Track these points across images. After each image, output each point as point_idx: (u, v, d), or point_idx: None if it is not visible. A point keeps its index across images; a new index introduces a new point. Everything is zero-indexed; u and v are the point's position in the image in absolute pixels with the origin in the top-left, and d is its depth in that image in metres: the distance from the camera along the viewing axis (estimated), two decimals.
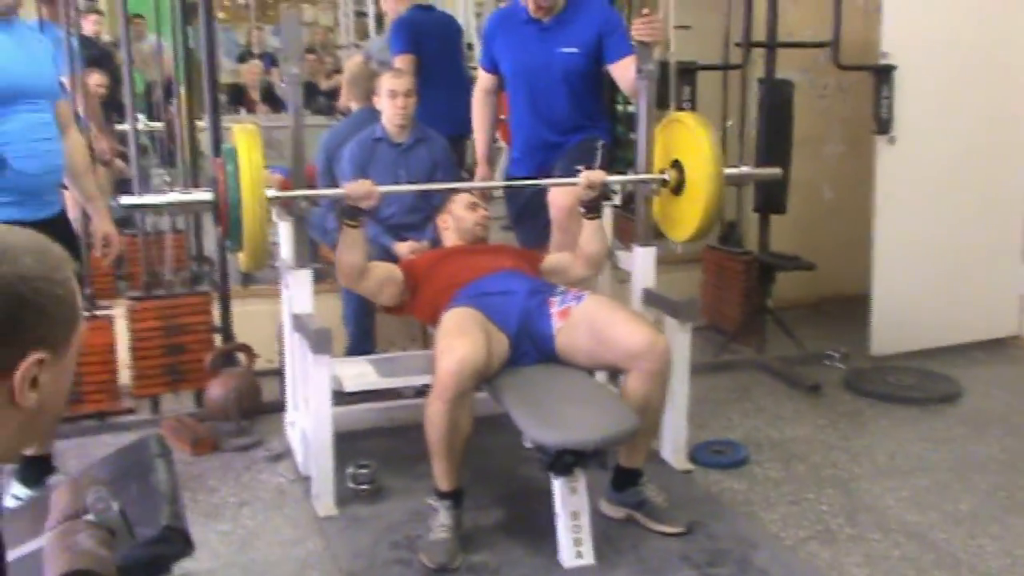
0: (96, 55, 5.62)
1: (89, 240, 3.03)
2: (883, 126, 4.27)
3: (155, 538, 2.15)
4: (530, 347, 2.90)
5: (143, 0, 4.94)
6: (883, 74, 4.24)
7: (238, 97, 8.21)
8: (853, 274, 4.61)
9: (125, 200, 2.83)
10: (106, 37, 6.47)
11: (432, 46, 4.76)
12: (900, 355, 4.36)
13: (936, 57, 4.29)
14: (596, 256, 3.26)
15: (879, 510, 3.02)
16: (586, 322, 2.83)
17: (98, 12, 6.61)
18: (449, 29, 5.15)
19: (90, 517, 1.63)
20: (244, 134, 2.81)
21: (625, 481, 2.89)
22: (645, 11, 3.39)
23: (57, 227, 2.78)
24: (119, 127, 5.12)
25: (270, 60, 9.07)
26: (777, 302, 4.91)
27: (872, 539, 2.83)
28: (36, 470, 3.00)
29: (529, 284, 3.03)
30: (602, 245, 3.27)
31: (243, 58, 9.66)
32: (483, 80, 3.86)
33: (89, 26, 6.04)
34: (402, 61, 4.55)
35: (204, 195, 2.89)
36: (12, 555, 1.75)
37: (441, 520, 2.76)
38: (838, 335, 4.60)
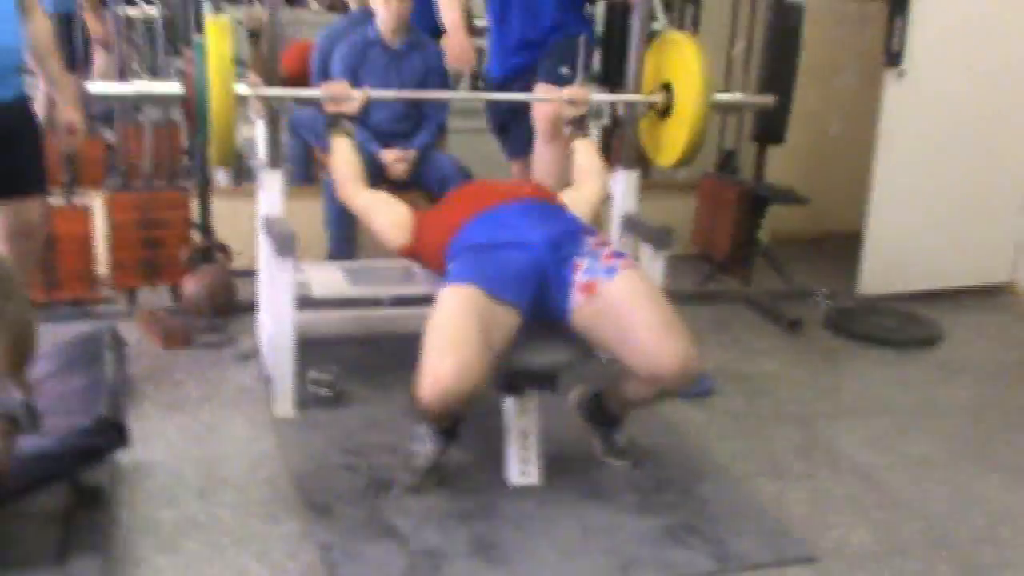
0: None
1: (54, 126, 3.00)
2: (893, 58, 4.15)
3: (89, 428, 2.19)
4: (537, 312, 2.54)
5: None
6: (898, 2, 4.09)
7: None
8: (855, 211, 4.53)
9: (92, 88, 2.80)
10: None
11: None
12: (888, 296, 4.31)
13: None
14: (599, 174, 3.05)
15: (833, 449, 3.01)
16: (612, 312, 2.46)
17: None
18: None
19: None
20: (215, 27, 2.75)
21: (602, 419, 2.77)
22: None
23: (15, 109, 2.76)
24: (131, 11, 5.03)
25: None
26: (774, 235, 4.86)
27: (819, 477, 2.82)
28: None
29: (552, 228, 2.61)
30: (598, 163, 3.08)
31: None
32: None
33: None
34: None
35: (172, 87, 2.84)
36: None
37: (427, 449, 2.58)
38: (830, 273, 4.56)
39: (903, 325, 4.03)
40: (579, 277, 2.51)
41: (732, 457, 2.92)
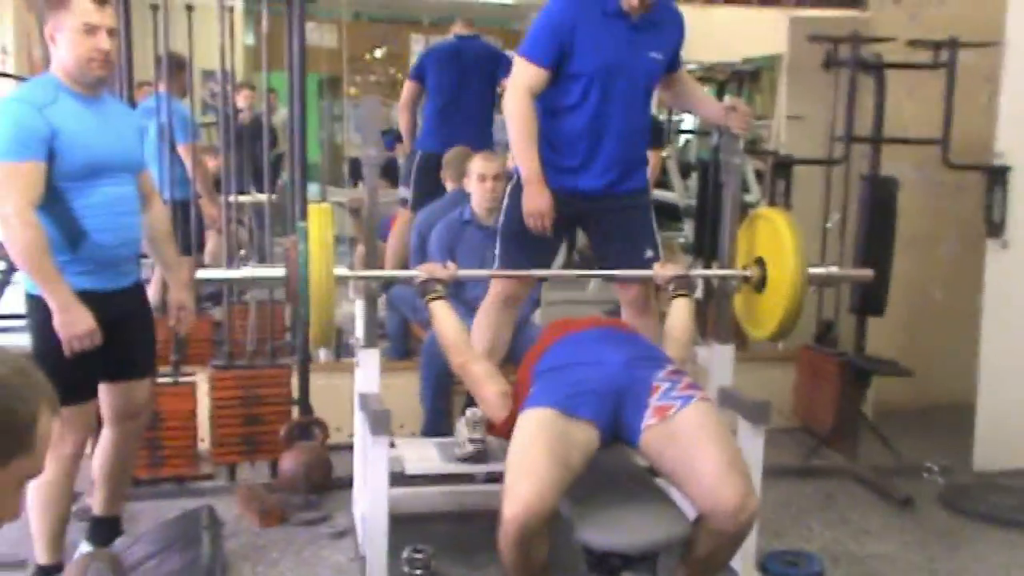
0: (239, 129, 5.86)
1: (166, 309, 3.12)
2: (995, 229, 4.09)
3: None
4: (614, 432, 2.61)
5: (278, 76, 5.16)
6: (996, 175, 4.07)
7: (359, 171, 8.46)
8: (963, 382, 4.37)
9: (200, 274, 2.93)
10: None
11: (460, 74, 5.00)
12: (1006, 472, 4.09)
13: None
14: (685, 347, 3.01)
15: None
16: (681, 439, 2.49)
17: (251, 87, 6.90)
18: (482, 59, 5.18)
19: None
20: (317, 213, 2.87)
21: None
22: (732, 102, 3.34)
23: (132, 295, 2.89)
24: (242, 198, 5.30)
25: (394, 137, 9.34)
26: (878, 407, 4.72)
27: None
28: (105, 531, 3.07)
29: (630, 349, 2.70)
30: (688, 332, 3.02)
31: None
32: (532, 78, 3.05)
33: (242, 100, 6.34)
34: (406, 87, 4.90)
35: (276, 271, 2.96)
36: None
37: None
38: (941, 447, 4.36)
39: None
40: (655, 400, 2.56)
41: None
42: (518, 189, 3.16)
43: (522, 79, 3.06)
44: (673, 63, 3.26)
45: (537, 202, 3.07)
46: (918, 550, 3.46)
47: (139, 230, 2.87)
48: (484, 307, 3.33)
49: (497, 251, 3.31)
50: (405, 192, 5.17)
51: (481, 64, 5.12)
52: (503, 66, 4.86)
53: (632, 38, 3.07)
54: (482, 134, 4.99)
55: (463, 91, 5.03)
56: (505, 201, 3.30)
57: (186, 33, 3.83)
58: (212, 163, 4.93)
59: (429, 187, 4.96)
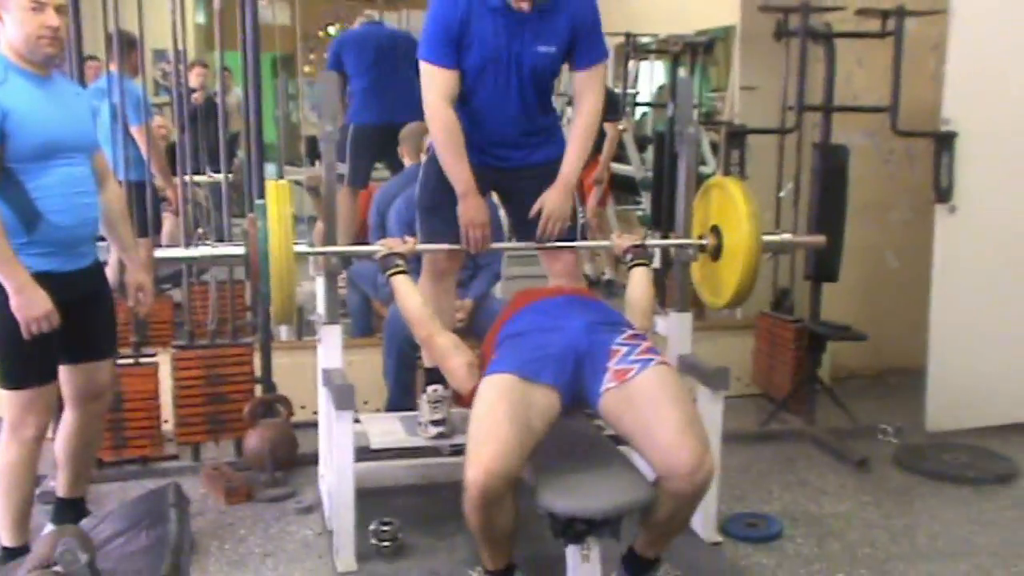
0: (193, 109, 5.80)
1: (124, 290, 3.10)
2: (943, 194, 4.17)
3: None
4: (575, 396, 2.64)
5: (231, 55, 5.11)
6: (944, 141, 4.14)
7: (316, 150, 8.40)
8: (916, 346, 4.47)
9: (159, 253, 2.92)
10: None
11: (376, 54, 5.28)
12: (958, 432, 4.19)
13: (1000, 124, 4.16)
14: (648, 311, 3.04)
15: None
16: (638, 402, 2.54)
17: (204, 65, 6.79)
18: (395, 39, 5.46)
19: (57, 568, 1.68)
20: (275, 189, 2.88)
21: (638, 568, 2.73)
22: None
23: (90, 276, 2.88)
24: (198, 178, 5.24)
25: None
26: (835, 372, 4.82)
27: None
28: (70, 512, 3.07)
29: (590, 314, 2.72)
30: (649, 299, 3.04)
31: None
32: (445, 82, 2.96)
33: (194, 79, 6.27)
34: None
35: (235, 249, 2.96)
36: None
37: None
38: (894, 409, 4.47)
39: (977, 461, 3.91)
40: (613, 364, 2.59)
41: None
42: (432, 163, 3.12)
43: (436, 87, 2.97)
44: (580, 56, 3.05)
45: (474, 214, 3.02)
46: (874, 508, 3.54)
47: (96, 210, 2.85)
48: (419, 286, 3.31)
49: (418, 225, 3.27)
50: (341, 168, 5.19)
51: (394, 44, 5.39)
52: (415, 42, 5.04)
53: (517, 31, 2.95)
54: (412, 103, 5.06)
55: (383, 69, 5.28)
56: (420, 175, 3.26)
57: (136, 11, 3.79)
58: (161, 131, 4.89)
59: (364, 159, 5.28)
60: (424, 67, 2.99)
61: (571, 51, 3.04)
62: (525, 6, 2.88)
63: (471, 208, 3.01)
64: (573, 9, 2.99)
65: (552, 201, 3.07)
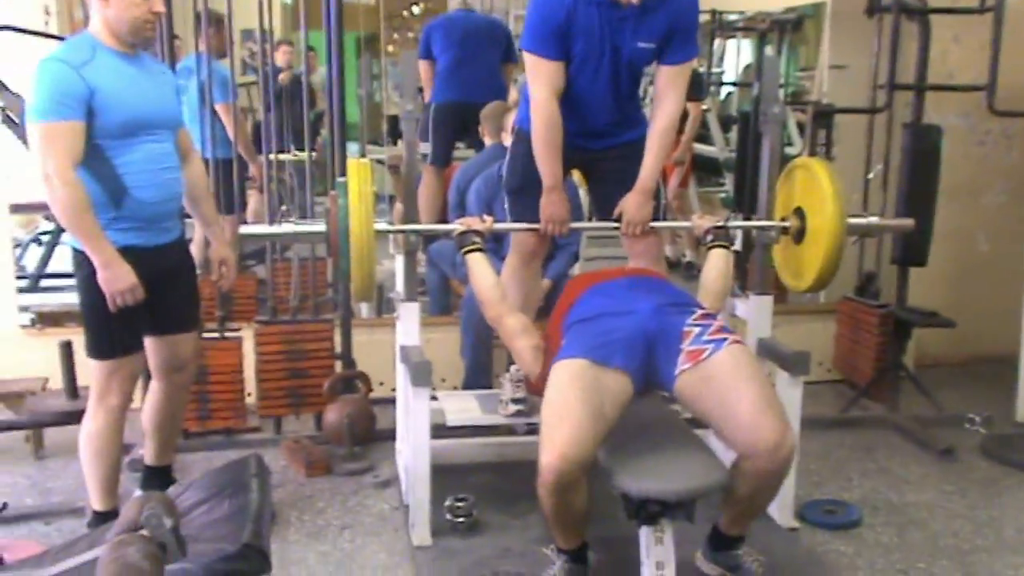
0: (278, 88, 5.89)
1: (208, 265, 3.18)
2: None
3: (233, 554, 2.24)
4: (648, 380, 2.63)
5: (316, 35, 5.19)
6: None
7: (398, 129, 8.46)
8: (1006, 334, 4.34)
9: (244, 229, 2.98)
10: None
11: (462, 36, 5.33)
12: None
13: None
14: (721, 294, 3.01)
15: None
16: (715, 383, 2.52)
17: (289, 43, 6.93)
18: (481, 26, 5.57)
19: (144, 532, 1.73)
20: (356, 168, 2.91)
21: (721, 544, 2.75)
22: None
23: (174, 251, 2.96)
24: (282, 156, 5.34)
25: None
26: (920, 359, 4.70)
27: None
28: (157, 480, 3.16)
29: (659, 296, 2.70)
30: (726, 282, 3.02)
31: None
32: (550, 73, 2.95)
33: (281, 57, 6.39)
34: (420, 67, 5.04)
35: (316, 227, 3.00)
36: (72, 562, 1.87)
37: (555, 572, 2.71)
38: (982, 398, 4.33)
39: None
40: (687, 345, 2.57)
41: None
42: (520, 143, 3.14)
43: (541, 79, 2.96)
44: (672, 53, 3.02)
45: (556, 210, 3.05)
46: (958, 499, 3.46)
47: (180, 186, 2.92)
48: (507, 266, 3.35)
49: (507, 207, 3.31)
50: (424, 148, 5.25)
51: (480, 28, 5.50)
52: (501, 27, 5.57)
53: (619, 26, 2.94)
54: (493, 84, 5.23)
55: (467, 50, 5.31)
56: (507, 156, 3.29)
57: None
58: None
59: (445, 137, 5.32)
60: (529, 58, 3.00)
61: (664, 47, 3.01)
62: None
63: (554, 203, 3.05)
64: (676, 6, 2.97)
65: (632, 207, 3.07)
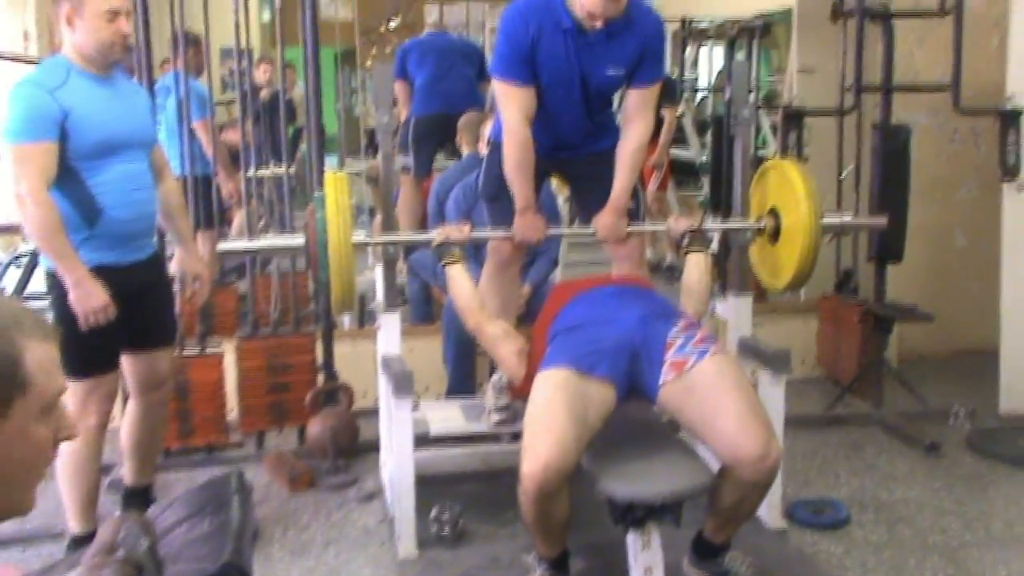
0: (258, 105, 5.85)
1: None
2: (1010, 172, 4.06)
3: (213, 574, 2.22)
4: (632, 389, 2.64)
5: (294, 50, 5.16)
6: (1009, 118, 4.03)
7: (377, 143, 8.45)
8: (987, 327, 4.36)
9: (223, 245, 2.97)
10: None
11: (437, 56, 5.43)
12: None
13: None
14: (703, 296, 2.99)
15: None
16: (699, 392, 2.52)
17: (270, 61, 6.86)
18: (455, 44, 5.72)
19: (120, 553, 1.70)
20: (334, 180, 2.90)
21: (707, 552, 2.73)
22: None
23: (150, 267, 2.95)
24: (261, 171, 5.30)
25: None
26: (904, 355, 4.72)
27: None
28: (137, 500, 3.13)
29: (643, 305, 2.71)
30: (705, 286, 2.99)
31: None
32: (521, 98, 2.93)
33: (261, 75, 6.37)
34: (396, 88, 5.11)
35: (295, 239, 2.99)
36: None
37: None
38: (966, 392, 4.35)
39: None
40: (671, 355, 2.57)
41: None
42: (495, 152, 3.12)
43: (513, 104, 2.95)
44: (640, 75, 3.01)
45: (528, 233, 3.05)
46: (946, 494, 3.46)
47: (154, 204, 2.91)
48: (485, 272, 3.35)
49: (486, 214, 3.31)
50: (405, 160, 5.25)
51: (453, 47, 5.64)
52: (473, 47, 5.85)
53: (587, 52, 2.92)
54: (472, 96, 5.32)
55: (442, 67, 5.41)
56: (483, 164, 3.29)
57: (202, 11, 3.84)
58: (232, 134, 4.96)
59: (426, 149, 5.35)
60: (499, 84, 3.00)
61: (633, 71, 3.00)
62: (599, 24, 2.83)
63: (526, 224, 3.04)
64: (643, 31, 2.96)
65: (604, 226, 3.08)
